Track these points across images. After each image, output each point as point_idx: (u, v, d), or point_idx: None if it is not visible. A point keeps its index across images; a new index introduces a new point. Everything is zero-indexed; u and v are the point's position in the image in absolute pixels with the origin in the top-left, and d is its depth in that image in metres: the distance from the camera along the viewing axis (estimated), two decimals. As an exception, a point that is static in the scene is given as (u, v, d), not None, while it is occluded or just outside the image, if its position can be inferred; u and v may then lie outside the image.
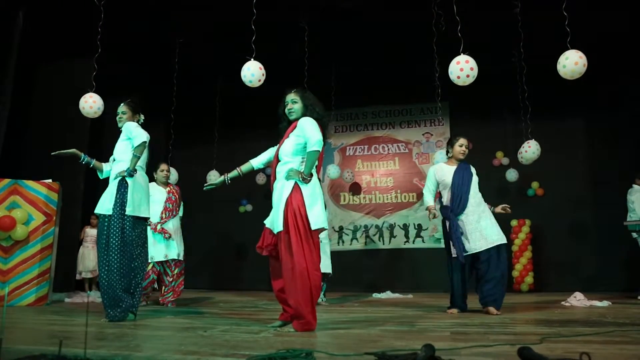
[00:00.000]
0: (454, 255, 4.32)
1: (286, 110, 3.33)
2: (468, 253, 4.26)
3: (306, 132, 3.13)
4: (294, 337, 2.75)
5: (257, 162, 3.52)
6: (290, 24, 6.79)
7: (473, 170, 4.52)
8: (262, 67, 5.19)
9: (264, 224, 3.25)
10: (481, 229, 4.25)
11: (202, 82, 8.80)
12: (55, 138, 6.24)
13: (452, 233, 4.32)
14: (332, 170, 8.28)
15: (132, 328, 3.22)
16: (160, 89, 8.10)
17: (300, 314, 2.94)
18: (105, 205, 3.73)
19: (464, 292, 4.37)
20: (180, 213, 5.77)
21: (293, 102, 3.30)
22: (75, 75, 6.65)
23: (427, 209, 4.58)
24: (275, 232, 3.10)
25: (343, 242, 8.84)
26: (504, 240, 4.27)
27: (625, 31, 6.84)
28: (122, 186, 3.73)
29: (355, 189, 9.00)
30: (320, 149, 3.12)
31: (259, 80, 5.21)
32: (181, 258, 5.45)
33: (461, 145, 4.48)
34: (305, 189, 3.07)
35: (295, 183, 3.08)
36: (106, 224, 3.70)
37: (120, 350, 2.22)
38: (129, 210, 3.69)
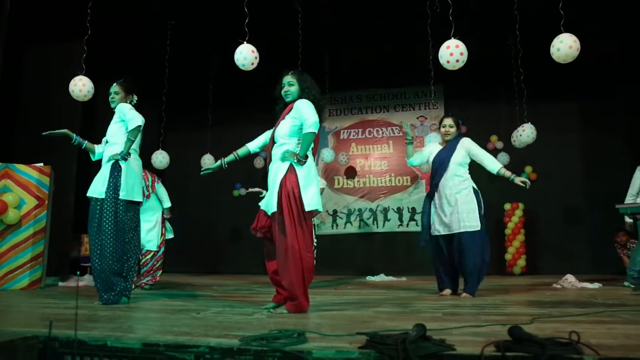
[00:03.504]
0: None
1: (282, 92, 3.30)
2: (434, 234, 4.29)
3: (303, 114, 3.12)
4: (287, 318, 2.77)
5: (253, 145, 3.53)
6: (283, 6, 6.69)
7: (461, 144, 4.31)
8: (255, 50, 5.14)
9: (259, 206, 3.25)
10: (448, 213, 4.18)
11: (195, 65, 8.68)
12: (47, 121, 6.13)
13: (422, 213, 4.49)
14: (326, 154, 8.26)
15: (126, 310, 3.23)
16: (151, 71, 7.99)
17: (294, 295, 2.96)
18: (97, 188, 3.70)
19: (447, 273, 4.32)
20: (160, 203, 5.51)
21: (290, 85, 3.27)
22: (66, 58, 6.54)
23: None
24: (269, 213, 3.10)
25: (337, 225, 8.86)
26: (468, 229, 4.05)
27: (620, 13, 6.79)
28: (116, 170, 3.71)
29: (350, 172, 8.99)
30: (316, 131, 3.12)
31: (252, 64, 5.18)
32: (145, 248, 5.21)
33: (444, 126, 4.44)
34: (300, 170, 3.06)
35: (291, 165, 3.08)
36: (98, 207, 3.67)
37: (113, 332, 2.23)
38: (122, 195, 3.67)
